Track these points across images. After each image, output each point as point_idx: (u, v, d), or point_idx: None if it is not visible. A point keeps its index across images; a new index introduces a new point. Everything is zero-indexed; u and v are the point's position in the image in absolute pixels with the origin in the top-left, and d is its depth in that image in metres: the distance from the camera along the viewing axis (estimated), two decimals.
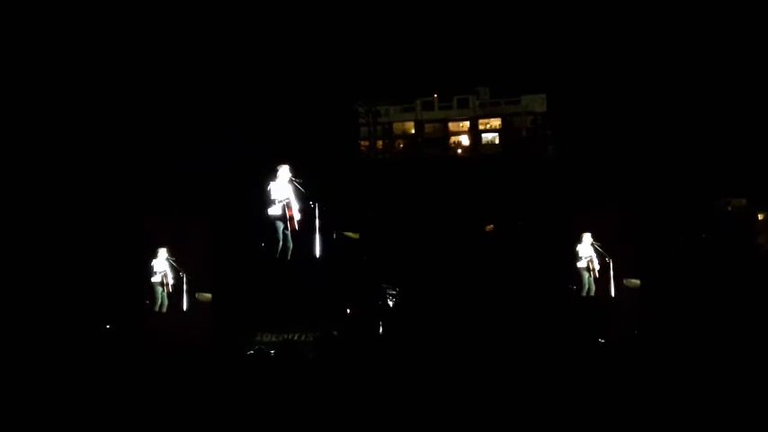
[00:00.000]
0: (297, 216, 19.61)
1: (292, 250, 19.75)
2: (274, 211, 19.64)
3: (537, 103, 51.85)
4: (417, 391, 10.52)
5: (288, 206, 19.53)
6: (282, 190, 19.72)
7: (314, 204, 19.69)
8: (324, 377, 11.79)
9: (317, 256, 19.98)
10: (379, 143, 50.83)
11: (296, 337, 18.98)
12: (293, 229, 19.58)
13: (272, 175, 19.80)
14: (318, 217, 19.74)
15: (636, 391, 10.73)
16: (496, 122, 55.65)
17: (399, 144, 55.33)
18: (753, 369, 11.47)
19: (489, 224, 33.43)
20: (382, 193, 34.06)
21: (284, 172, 19.75)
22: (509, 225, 31.95)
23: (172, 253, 20.87)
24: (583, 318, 18.92)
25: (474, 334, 18.80)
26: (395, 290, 21.76)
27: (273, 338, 19.13)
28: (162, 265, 20.94)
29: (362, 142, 48.45)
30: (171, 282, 20.70)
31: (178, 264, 20.70)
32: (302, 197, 19.67)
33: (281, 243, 19.67)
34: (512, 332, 16.71)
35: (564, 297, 20.68)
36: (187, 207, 22.57)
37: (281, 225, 19.65)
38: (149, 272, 20.82)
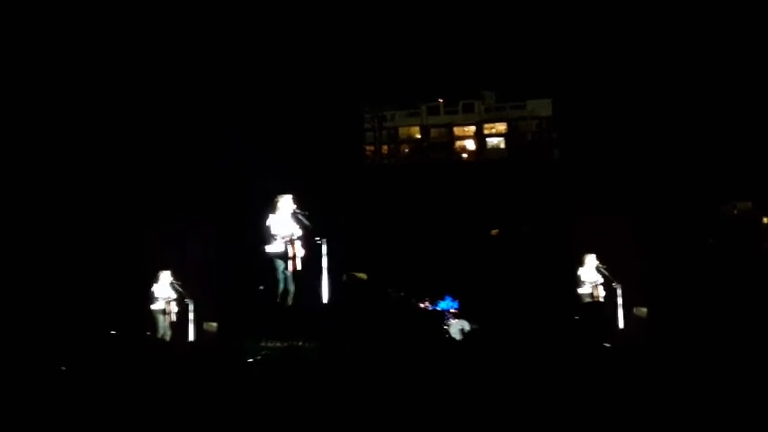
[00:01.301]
0: (300, 254, 16.85)
1: (294, 294, 17.11)
2: (275, 248, 16.88)
3: (542, 107, 51.89)
4: (421, 396, 10.55)
5: (291, 243, 16.84)
6: (284, 224, 16.95)
7: (321, 241, 16.98)
8: (328, 381, 11.82)
9: (325, 301, 17.01)
10: (385, 148, 50.91)
11: (300, 343, 18.21)
12: (295, 270, 16.95)
13: (271, 206, 16.94)
14: (326, 255, 16.97)
15: (641, 397, 10.75)
16: (502, 127, 55.74)
17: (405, 149, 55.47)
18: (759, 375, 11.47)
19: (495, 229, 33.44)
20: (387, 197, 34.08)
21: (286, 203, 17.01)
22: (515, 230, 31.94)
23: (176, 276, 18.29)
24: (587, 323, 18.78)
25: (478, 339, 18.79)
26: (401, 294, 21.59)
27: (278, 344, 18.21)
28: (164, 290, 18.42)
29: (368, 147, 48.52)
30: (174, 310, 18.14)
31: (183, 288, 18.16)
32: (308, 233, 16.90)
33: (281, 285, 17.12)
34: (516, 336, 16.68)
35: (568, 304, 20.41)
36: (190, 220, 20.57)
37: (281, 265, 17.00)
38: (150, 298, 18.25)
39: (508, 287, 22.98)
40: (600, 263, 19.47)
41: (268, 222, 16.87)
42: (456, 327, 20.03)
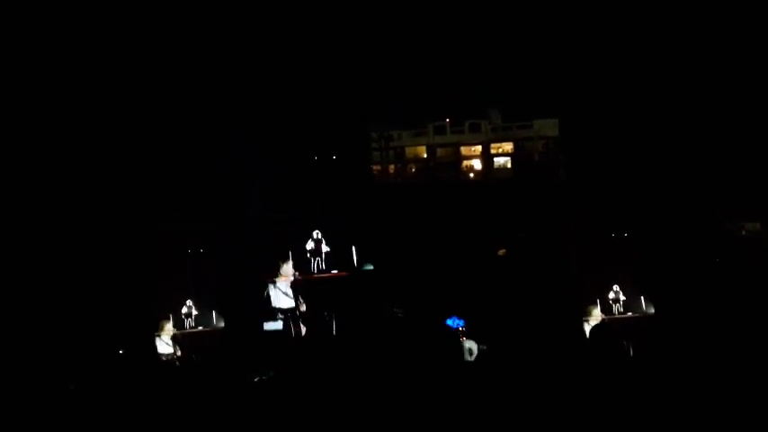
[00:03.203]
0: (303, 332, 13.76)
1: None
2: (273, 326, 14.15)
3: (549, 127, 51.86)
4: (425, 406, 10.51)
5: (293, 319, 14.04)
6: (286, 297, 14.41)
7: (329, 316, 14.63)
8: (332, 391, 11.77)
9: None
10: (392, 167, 50.95)
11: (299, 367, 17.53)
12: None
13: (273, 272, 14.15)
14: (336, 331, 14.14)
15: (644, 405, 10.69)
16: (508, 146, 55.68)
17: (411, 168, 55.46)
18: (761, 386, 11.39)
19: (502, 248, 33.35)
20: (395, 216, 34.04)
21: (287, 271, 14.26)
22: (519, 246, 31.86)
23: (179, 326, 16.12)
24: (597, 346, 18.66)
25: (487, 359, 18.70)
26: (401, 311, 21.56)
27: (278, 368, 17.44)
28: (167, 345, 16.55)
29: (375, 166, 48.65)
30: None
31: (187, 340, 15.95)
32: (313, 306, 13.92)
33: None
34: (524, 357, 16.56)
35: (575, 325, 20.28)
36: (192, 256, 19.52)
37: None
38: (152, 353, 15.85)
39: (514, 306, 22.88)
40: (605, 316, 18.14)
41: (266, 293, 14.36)
42: (464, 347, 19.95)
